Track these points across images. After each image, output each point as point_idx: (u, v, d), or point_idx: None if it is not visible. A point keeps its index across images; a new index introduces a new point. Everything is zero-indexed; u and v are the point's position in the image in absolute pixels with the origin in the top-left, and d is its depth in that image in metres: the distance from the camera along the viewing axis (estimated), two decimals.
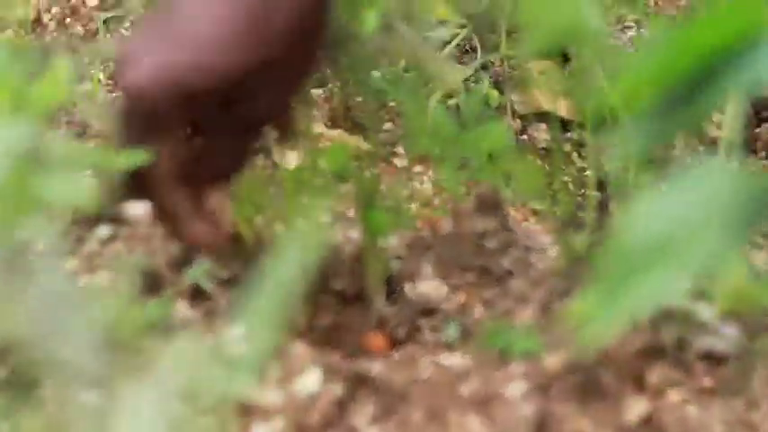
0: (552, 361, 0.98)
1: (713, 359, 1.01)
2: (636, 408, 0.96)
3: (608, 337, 0.61)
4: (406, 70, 1.16)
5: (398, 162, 1.48)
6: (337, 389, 0.97)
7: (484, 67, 1.60)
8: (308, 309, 1.11)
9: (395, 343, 1.10)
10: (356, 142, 1.17)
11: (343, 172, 1.13)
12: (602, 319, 0.60)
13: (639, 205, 0.62)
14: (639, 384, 0.99)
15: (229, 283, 1.12)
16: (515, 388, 0.95)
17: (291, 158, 1.06)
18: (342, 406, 0.97)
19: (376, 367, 0.99)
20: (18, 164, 0.55)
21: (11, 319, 0.58)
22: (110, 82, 1.54)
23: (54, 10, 1.75)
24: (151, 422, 0.55)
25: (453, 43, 1.53)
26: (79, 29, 1.69)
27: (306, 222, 0.56)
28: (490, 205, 1.15)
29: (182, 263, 1.08)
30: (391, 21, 0.96)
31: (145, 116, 0.90)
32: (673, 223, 0.61)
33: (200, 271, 1.07)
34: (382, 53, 0.96)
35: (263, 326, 0.56)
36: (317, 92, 1.53)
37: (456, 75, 1.13)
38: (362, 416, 0.97)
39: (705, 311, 1.03)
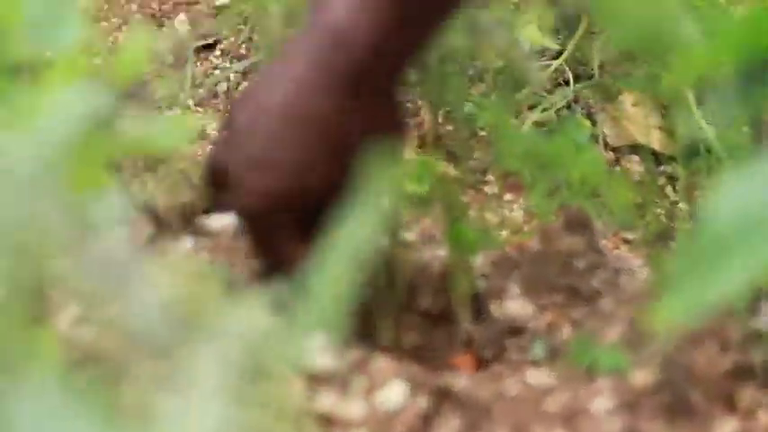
0: (640, 378, 0.96)
1: None
2: (725, 428, 0.94)
3: (695, 321, 0.59)
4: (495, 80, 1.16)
5: (488, 189, 1.47)
6: (422, 402, 0.96)
7: (576, 99, 1.59)
8: (393, 326, 1.10)
9: (481, 362, 1.09)
10: (445, 168, 1.16)
11: (430, 194, 1.12)
12: (690, 303, 0.59)
13: (729, 184, 0.60)
14: (729, 404, 0.96)
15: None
16: (601, 404, 0.94)
17: None
18: (426, 420, 0.96)
19: (461, 382, 0.98)
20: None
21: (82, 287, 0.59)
22: (198, 109, 1.56)
23: None
24: (213, 391, 0.55)
25: (546, 74, 1.53)
26: (170, 57, 1.71)
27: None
28: (578, 225, 1.13)
29: (264, 276, 1.08)
30: (480, 21, 0.96)
31: (260, 224, 1.06)
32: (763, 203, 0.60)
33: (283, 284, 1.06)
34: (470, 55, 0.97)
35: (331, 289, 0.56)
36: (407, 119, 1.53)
37: (541, 76, 1.13)
38: (447, 430, 0.96)
39: None
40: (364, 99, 1.01)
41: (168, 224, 1.13)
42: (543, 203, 1.18)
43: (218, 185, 1.06)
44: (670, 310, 0.60)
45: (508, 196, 1.44)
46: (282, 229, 1.06)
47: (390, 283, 1.10)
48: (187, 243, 1.11)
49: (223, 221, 1.15)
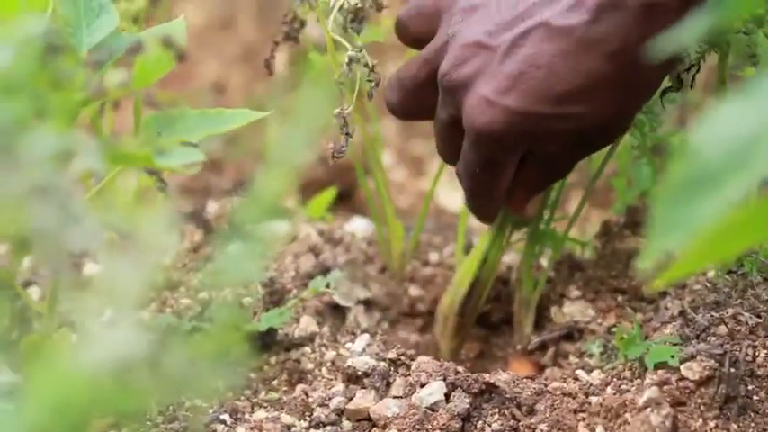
0: (692, 373, 0.90)
1: None
2: None
3: (680, 246, 0.57)
4: None
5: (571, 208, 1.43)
6: (461, 400, 0.92)
7: None
8: (453, 336, 1.06)
9: (541, 368, 1.04)
10: None
11: None
12: (673, 232, 0.57)
13: (716, 114, 0.58)
14: None
15: (363, 303, 1.09)
16: (647, 400, 0.88)
17: None
18: (467, 418, 0.92)
19: (504, 381, 0.93)
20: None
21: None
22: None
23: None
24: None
25: None
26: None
27: None
28: (642, 222, 1.08)
29: (310, 279, 1.06)
30: None
31: (489, 150, 0.93)
32: (748, 131, 0.58)
33: (333, 284, 1.04)
34: None
35: None
36: None
37: None
38: (487, 427, 0.91)
39: None
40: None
41: (217, 231, 1.12)
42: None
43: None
44: (659, 241, 0.58)
45: (592, 214, 1.39)
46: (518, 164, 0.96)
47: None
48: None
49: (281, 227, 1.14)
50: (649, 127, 1.05)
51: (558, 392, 0.93)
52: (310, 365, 1.01)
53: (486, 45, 0.91)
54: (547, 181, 1.00)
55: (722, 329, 0.93)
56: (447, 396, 0.93)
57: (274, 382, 1.00)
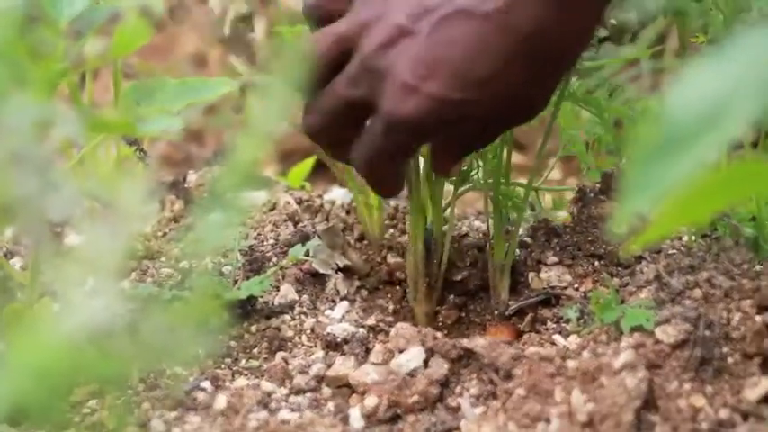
0: (666, 336, 0.91)
1: None
2: (758, 388, 0.89)
3: (652, 208, 0.58)
4: None
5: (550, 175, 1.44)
6: (440, 366, 0.93)
7: None
8: (428, 301, 1.07)
9: (519, 333, 1.05)
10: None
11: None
12: (645, 193, 0.58)
13: (688, 76, 0.59)
14: (764, 364, 0.91)
15: (342, 271, 1.10)
16: (623, 363, 0.89)
17: None
18: (445, 383, 0.93)
19: (481, 346, 0.95)
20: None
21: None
22: None
23: None
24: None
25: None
26: None
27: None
28: (617, 188, 1.09)
29: (290, 247, 1.07)
30: None
31: (405, 137, 0.92)
32: (718, 93, 0.59)
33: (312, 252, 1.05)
34: None
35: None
36: None
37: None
38: (465, 392, 0.93)
39: None
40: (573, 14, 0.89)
41: (197, 200, 1.13)
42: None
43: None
44: (632, 202, 0.59)
45: (571, 181, 1.40)
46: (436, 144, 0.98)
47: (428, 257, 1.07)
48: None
49: (260, 197, 1.15)
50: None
51: (536, 357, 0.94)
52: (290, 333, 1.02)
53: (409, 29, 0.90)
54: (467, 151, 1.00)
55: (697, 293, 0.94)
56: (426, 362, 0.94)
57: (254, 350, 1.01)
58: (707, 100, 0.59)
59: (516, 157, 1.43)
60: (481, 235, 1.14)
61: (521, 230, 1.10)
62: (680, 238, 1.03)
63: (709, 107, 0.59)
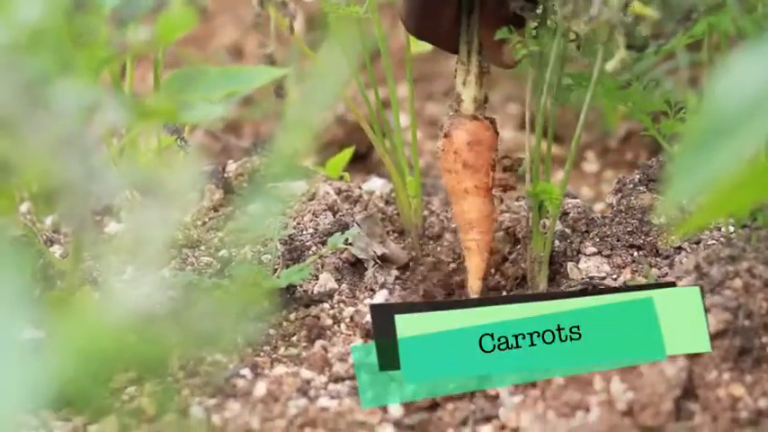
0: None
1: None
2: None
3: (696, 197, 0.58)
4: None
5: (587, 167, 1.44)
6: None
7: None
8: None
9: None
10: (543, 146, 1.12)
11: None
12: (690, 182, 0.58)
13: (734, 68, 0.59)
14: None
15: (381, 260, 1.10)
16: None
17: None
18: None
19: None
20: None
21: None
22: None
23: None
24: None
25: None
26: None
27: None
28: (656, 178, 1.08)
29: (329, 236, 1.07)
30: None
31: None
32: (761, 85, 0.59)
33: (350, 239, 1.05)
34: None
35: None
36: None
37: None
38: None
39: None
40: None
41: (237, 190, 1.13)
42: None
43: None
44: (678, 190, 0.59)
45: (608, 174, 1.40)
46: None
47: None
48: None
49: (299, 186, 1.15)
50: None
51: None
52: (329, 321, 1.02)
53: None
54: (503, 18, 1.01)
55: (737, 283, 0.94)
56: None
57: (294, 338, 1.01)
58: (749, 92, 0.59)
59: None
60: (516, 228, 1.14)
61: (561, 224, 1.10)
62: (719, 229, 1.03)
63: (752, 99, 0.59)
